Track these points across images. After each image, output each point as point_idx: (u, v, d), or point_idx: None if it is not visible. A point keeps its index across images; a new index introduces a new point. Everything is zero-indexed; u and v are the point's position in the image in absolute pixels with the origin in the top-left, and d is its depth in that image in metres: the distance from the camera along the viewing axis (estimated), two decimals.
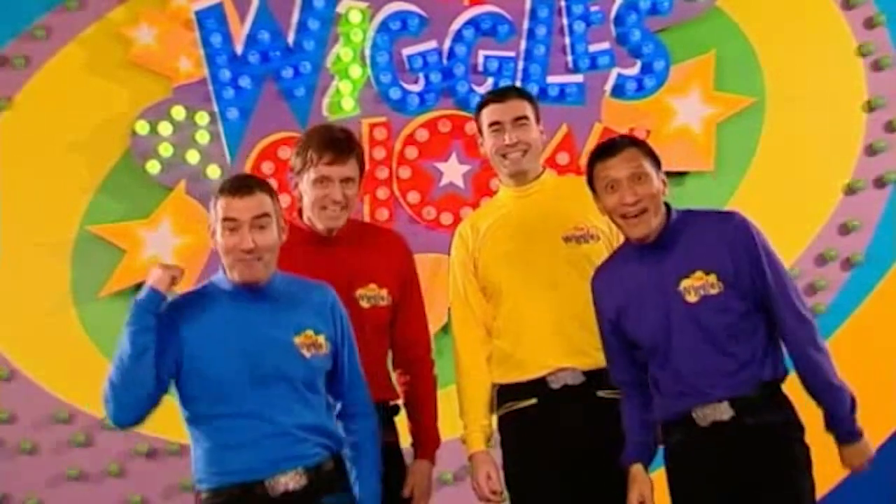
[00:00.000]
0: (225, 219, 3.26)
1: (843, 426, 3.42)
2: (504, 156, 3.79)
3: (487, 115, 3.83)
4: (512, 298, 3.77)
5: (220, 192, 3.32)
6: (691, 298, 3.38)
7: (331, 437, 3.35)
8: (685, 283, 3.39)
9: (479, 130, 3.89)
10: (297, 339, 3.31)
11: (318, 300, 3.39)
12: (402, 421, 3.85)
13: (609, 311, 3.53)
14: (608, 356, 3.62)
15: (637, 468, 3.54)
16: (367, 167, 3.85)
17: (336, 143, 3.67)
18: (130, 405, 3.24)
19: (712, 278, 3.38)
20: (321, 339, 3.34)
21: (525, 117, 3.80)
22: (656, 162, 3.49)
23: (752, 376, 3.38)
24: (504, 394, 3.82)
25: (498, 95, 3.89)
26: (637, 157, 3.44)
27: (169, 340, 3.24)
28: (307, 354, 3.31)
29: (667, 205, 3.49)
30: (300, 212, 3.75)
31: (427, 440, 3.81)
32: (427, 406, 3.83)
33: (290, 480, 3.24)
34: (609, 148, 3.48)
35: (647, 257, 3.46)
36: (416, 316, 3.86)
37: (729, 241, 3.41)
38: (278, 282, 3.35)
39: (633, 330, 3.48)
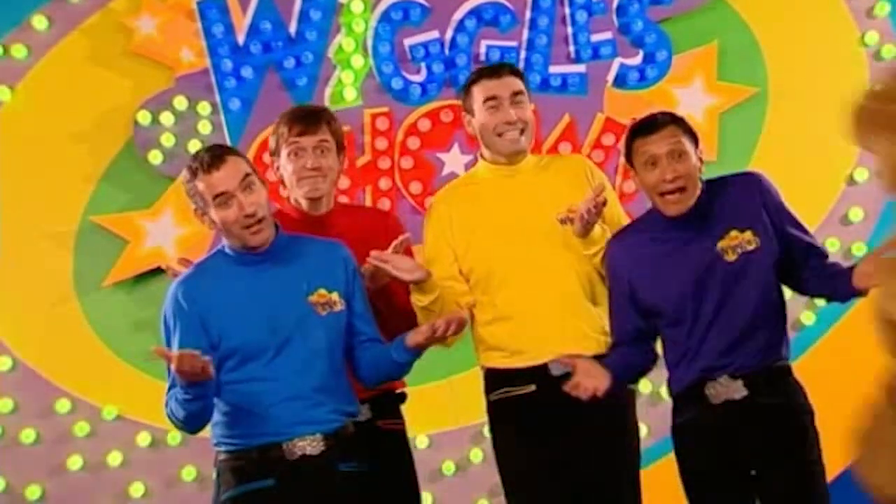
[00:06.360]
0: (215, 196, 3.24)
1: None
2: (501, 134, 3.71)
3: (482, 90, 3.73)
4: (508, 283, 3.69)
5: (192, 174, 3.27)
6: (730, 258, 3.41)
7: (349, 402, 3.35)
8: (722, 244, 3.42)
9: (467, 108, 3.79)
10: (311, 299, 3.31)
11: (327, 256, 3.39)
12: (409, 409, 3.86)
13: (626, 276, 3.54)
14: (612, 308, 3.61)
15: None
16: (344, 139, 3.82)
17: (305, 114, 3.73)
18: (199, 426, 3.32)
19: (748, 234, 3.41)
20: (335, 296, 3.34)
21: (521, 92, 3.74)
22: (694, 139, 3.51)
23: (772, 355, 3.40)
24: (499, 378, 3.73)
25: (491, 71, 3.79)
26: (676, 133, 3.47)
27: (199, 339, 3.24)
28: (322, 313, 3.31)
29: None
30: (288, 198, 3.73)
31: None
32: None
33: (307, 445, 3.24)
34: (650, 124, 3.50)
35: (678, 227, 3.47)
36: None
37: (754, 195, 3.46)
38: (284, 242, 3.35)
39: (654, 297, 3.48)
